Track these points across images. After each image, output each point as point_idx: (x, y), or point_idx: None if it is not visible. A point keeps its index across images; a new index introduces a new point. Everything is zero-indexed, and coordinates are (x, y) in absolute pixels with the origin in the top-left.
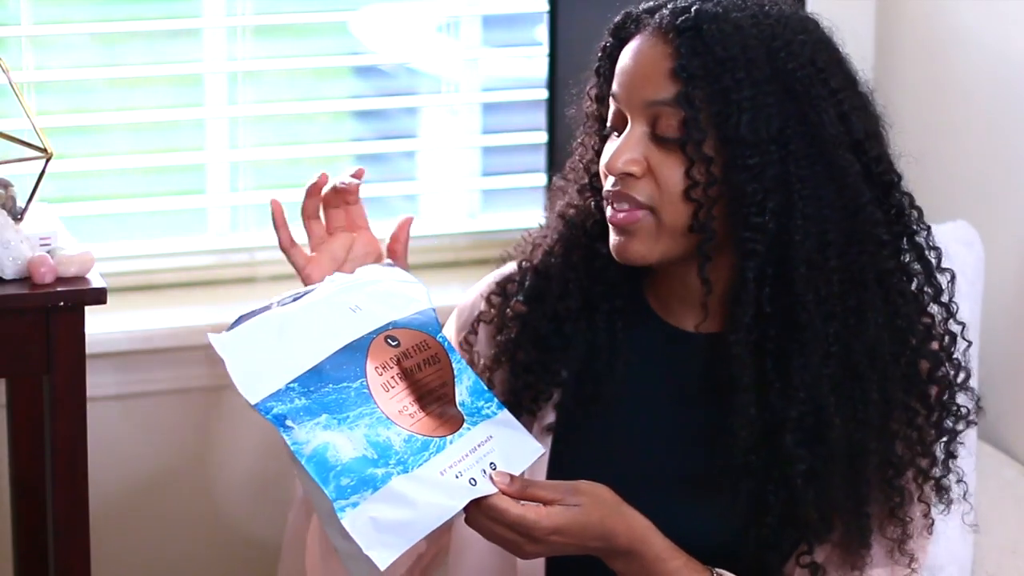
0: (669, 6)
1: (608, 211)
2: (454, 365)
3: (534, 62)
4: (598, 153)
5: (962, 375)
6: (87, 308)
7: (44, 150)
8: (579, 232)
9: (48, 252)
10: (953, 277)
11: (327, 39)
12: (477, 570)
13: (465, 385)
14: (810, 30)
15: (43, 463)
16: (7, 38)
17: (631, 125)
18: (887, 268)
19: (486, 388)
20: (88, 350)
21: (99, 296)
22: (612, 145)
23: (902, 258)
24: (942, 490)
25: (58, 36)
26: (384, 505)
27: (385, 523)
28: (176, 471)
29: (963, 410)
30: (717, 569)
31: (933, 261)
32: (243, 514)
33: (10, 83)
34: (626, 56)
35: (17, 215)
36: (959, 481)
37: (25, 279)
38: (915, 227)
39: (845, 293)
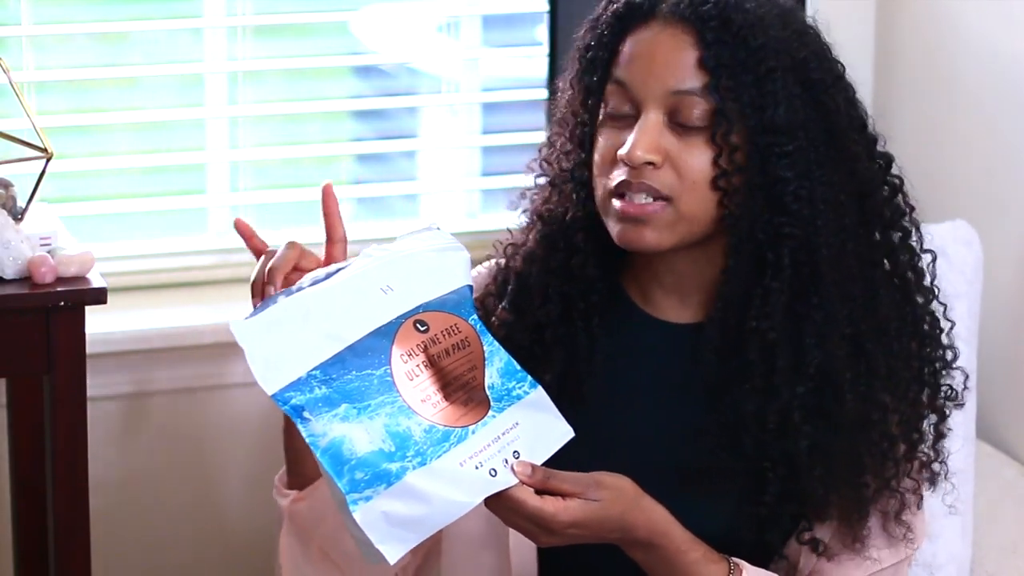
0: None
1: (616, 203)
2: (485, 348)
3: (534, 62)
4: (581, 143)
5: (950, 354)
6: (87, 308)
7: (44, 150)
8: (558, 229)
9: (48, 252)
10: (935, 257)
11: (327, 39)
12: (472, 566)
13: (496, 367)
14: (805, 19)
15: (43, 463)
16: (7, 38)
17: (647, 113)
18: (894, 247)
19: (519, 368)
20: (88, 350)
21: (99, 296)
22: (618, 134)
23: (903, 237)
24: (928, 468)
25: (58, 36)
26: (397, 500)
27: (397, 518)
28: (176, 471)
29: (952, 391)
30: (734, 558)
31: (916, 244)
32: (243, 514)
33: (10, 83)
34: (641, 43)
35: (17, 215)
36: (942, 461)
37: (25, 279)
38: (907, 207)
39: (860, 274)
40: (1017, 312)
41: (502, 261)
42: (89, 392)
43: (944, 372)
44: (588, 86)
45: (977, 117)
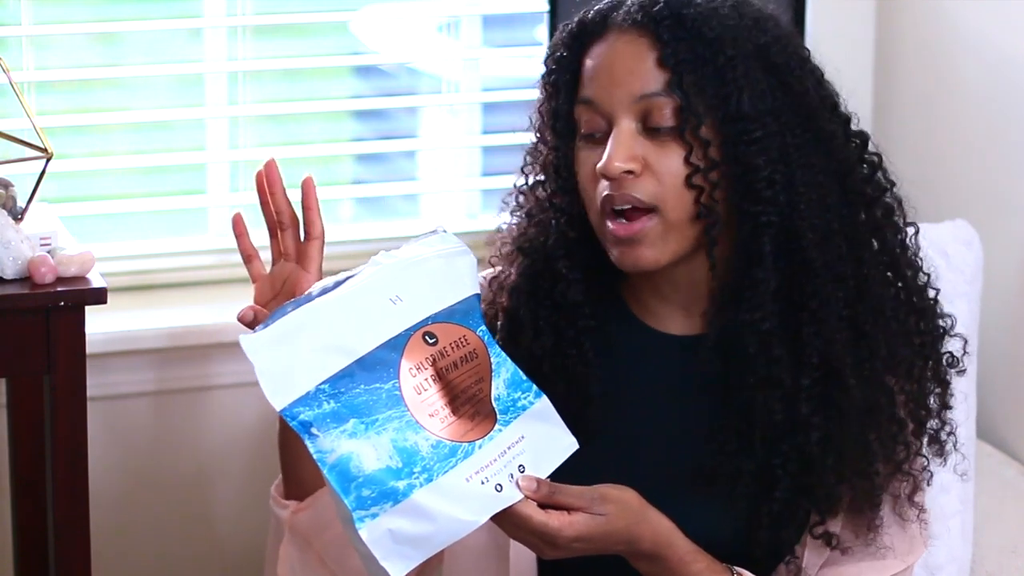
0: (627, 3)
1: (609, 225)
2: (492, 359)
3: (534, 62)
4: (556, 169)
5: (948, 321)
6: (87, 308)
7: (44, 150)
8: (539, 259)
9: (48, 252)
10: (917, 230)
11: (327, 39)
12: (472, 573)
13: (503, 378)
14: (761, 8)
15: (43, 463)
16: (7, 38)
17: (619, 124)
18: (880, 224)
19: (524, 378)
20: (88, 350)
21: (99, 296)
22: (595, 151)
23: (887, 213)
24: (938, 442)
25: (58, 36)
26: (403, 519)
27: (403, 536)
28: (176, 471)
29: (953, 358)
30: (736, 568)
31: (899, 218)
32: (241, 514)
33: (10, 83)
34: (600, 57)
35: (17, 215)
36: (950, 432)
37: (25, 279)
38: (888, 183)
39: (849, 255)
40: (1017, 312)
41: (495, 281)
42: (89, 392)
43: (943, 341)
44: (555, 110)
45: (977, 117)
